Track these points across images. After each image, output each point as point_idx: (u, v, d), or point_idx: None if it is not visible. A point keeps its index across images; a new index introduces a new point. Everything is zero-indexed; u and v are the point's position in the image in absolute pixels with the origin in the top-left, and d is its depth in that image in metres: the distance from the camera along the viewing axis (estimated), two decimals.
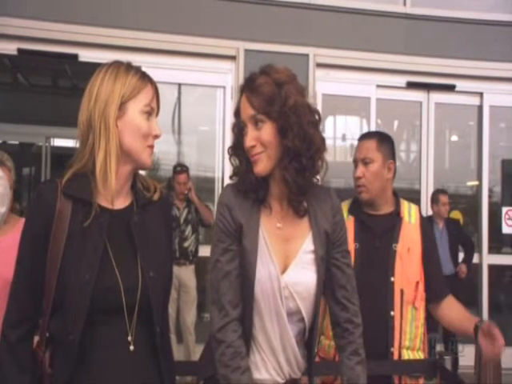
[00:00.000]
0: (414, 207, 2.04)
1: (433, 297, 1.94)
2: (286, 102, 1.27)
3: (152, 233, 1.29)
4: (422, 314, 1.93)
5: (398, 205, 2.00)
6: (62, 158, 6.96)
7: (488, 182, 5.34)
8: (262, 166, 1.30)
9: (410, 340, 1.89)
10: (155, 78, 1.33)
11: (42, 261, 1.20)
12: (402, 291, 1.88)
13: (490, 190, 5.44)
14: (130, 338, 1.22)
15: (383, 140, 2.00)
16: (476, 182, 5.48)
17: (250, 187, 1.32)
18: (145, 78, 1.28)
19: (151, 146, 1.28)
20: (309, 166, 1.29)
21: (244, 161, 1.33)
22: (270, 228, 1.34)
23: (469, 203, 5.68)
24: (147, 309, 1.23)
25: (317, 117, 1.34)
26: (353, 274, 1.43)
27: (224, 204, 1.34)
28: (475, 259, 5.15)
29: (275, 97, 1.27)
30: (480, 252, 5.23)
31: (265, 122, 1.28)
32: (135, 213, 1.28)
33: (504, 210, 5.36)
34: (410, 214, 1.99)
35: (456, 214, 5.06)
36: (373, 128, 5.15)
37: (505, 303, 5.63)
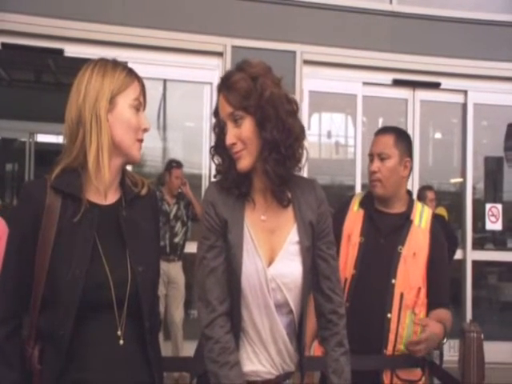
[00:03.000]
0: (427, 211, 1.98)
1: (429, 305, 1.90)
2: (263, 95, 1.27)
3: (140, 227, 1.29)
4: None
5: (410, 206, 1.95)
6: (45, 153, 6.88)
7: (472, 179, 5.40)
8: (246, 162, 1.31)
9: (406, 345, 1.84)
10: (142, 74, 1.33)
11: (30, 257, 1.20)
12: (401, 295, 1.84)
13: (474, 187, 5.49)
14: (119, 333, 1.22)
15: (401, 136, 1.96)
16: (460, 179, 5.54)
17: (232, 184, 1.33)
18: (132, 74, 1.29)
19: (140, 140, 1.30)
20: (288, 155, 1.30)
21: (226, 158, 1.34)
22: (255, 221, 1.34)
23: (453, 200, 5.73)
24: (136, 303, 1.24)
25: (294, 106, 1.34)
26: (337, 266, 1.45)
27: (208, 201, 1.34)
28: (460, 255, 5.21)
29: (251, 91, 1.28)
30: (464, 248, 5.29)
31: (244, 118, 1.29)
32: (124, 208, 1.28)
33: (488, 206, 5.43)
34: (422, 218, 1.94)
35: (441, 211, 5.09)
36: (359, 125, 5.18)
37: (488, 299, 5.72)
